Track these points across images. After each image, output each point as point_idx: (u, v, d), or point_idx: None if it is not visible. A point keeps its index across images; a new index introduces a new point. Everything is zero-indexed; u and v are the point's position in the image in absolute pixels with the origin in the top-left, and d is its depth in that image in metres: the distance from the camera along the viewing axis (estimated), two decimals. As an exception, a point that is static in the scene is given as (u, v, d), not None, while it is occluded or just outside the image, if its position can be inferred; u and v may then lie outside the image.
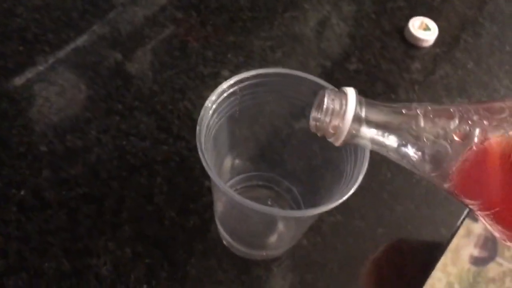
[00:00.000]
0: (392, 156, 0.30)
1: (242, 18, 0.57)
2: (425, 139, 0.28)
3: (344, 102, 0.29)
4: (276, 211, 0.33)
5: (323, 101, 0.30)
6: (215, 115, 0.34)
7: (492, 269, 1.24)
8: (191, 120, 0.48)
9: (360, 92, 0.30)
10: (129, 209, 0.42)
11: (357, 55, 0.55)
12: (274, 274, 0.41)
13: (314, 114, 0.31)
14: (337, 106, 0.30)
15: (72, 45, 0.52)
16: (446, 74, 0.55)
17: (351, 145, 0.34)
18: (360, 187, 0.31)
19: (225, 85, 0.34)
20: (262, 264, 0.41)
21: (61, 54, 0.51)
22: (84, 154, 0.45)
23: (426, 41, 0.56)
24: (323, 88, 0.35)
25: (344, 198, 0.30)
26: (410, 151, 0.29)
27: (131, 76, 0.50)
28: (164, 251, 0.41)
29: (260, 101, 0.37)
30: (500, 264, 1.25)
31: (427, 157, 0.28)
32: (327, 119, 0.30)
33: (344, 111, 0.29)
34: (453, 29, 0.59)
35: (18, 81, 0.49)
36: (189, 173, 0.44)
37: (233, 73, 0.51)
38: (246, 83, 0.35)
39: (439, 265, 0.43)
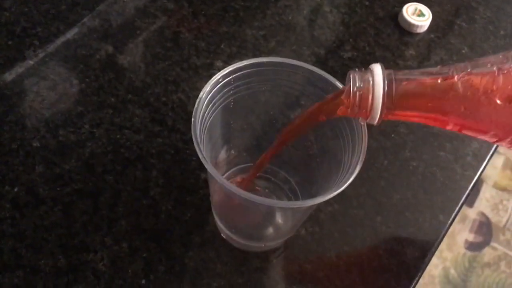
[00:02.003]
0: (437, 125, 0.29)
1: (235, 7, 0.56)
2: (463, 108, 0.26)
3: (371, 84, 0.28)
4: (273, 202, 0.32)
5: (350, 87, 0.29)
6: (209, 106, 0.34)
7: (487, 254, 1.26)
8: (186, 112, 0.47)
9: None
10: (125, 203, 0.42)
11: (351, 43, 0.55)
12: (273, 265, 0.40)
13: (346, 99, 0.30)
14: (365, 91, 0.28)
15: (62, 38, 0.51)
16: (441, 60, 0.55)
17: (349, 134, 0.34)
18: (357, 175, 0.30)
19: (219, 75, 0.33)
20: (261, 255, 0.41)
21: (51, 47, 0.50)
22: (77, 148, 0.44)
23: (420, 27, 0.56)
24: (317, 76, 0.34)
25: (342, 188, 0.30)
26: (454, 119, 0.27)
27: (123, 69, 0.50)
28: (162, 244, 0.40)
29: (254, 90, 0.36)
30: (495, 249, 1.26)
31: (473, 123, 0.27)
32: (357, 106, 0.29)
33: (373, 94, 0.28)
34: (446, 14, 0.59)
35: (8, 76, 0.48)
36: (185, 165, 0.44)
37: (227, 63, 0.51)
38: (240, 73, 0.34)
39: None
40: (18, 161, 0.43)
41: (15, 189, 0.42)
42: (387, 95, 0.28)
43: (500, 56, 0.27)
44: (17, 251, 0.39)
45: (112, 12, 0.54)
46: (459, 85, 0.26)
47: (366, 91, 0.28)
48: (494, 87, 0.26)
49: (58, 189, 0.42)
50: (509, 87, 0.25)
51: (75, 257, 0.39)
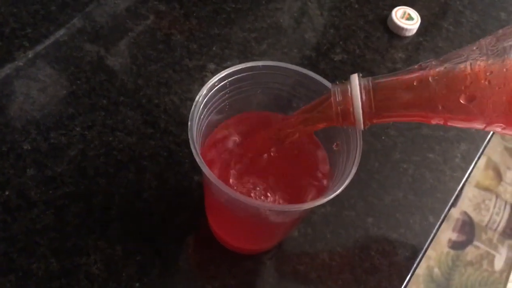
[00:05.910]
0: (422, 121, 0.29)
1: (226, 10, 0.56)
2: (441, 106, 0.27)
3: (350, 96, 0.29)
4: (269, 205, 0.33)
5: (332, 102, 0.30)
6: (205, 110, 0.34)
7: (470, 252, 1.28)
8: (178, 114, 0.47)
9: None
10: (118, 206, 0.42)
11: (341, 45, 0.55)
12: (266, 266, 0.41)
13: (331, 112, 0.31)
14: (345, 104, 0.29)
15: (52, 40, 0.51)
16: (429, 63, 0.55)
17: (343, 136, 0.34)
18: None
19: (215, 79, 0.33)
20: (254, 257, 0.41)
21: (41, 49, 0.50)
22: (69, 151, 0.44)
23: (409, 30, 0.56)
24: (311, 79, 0.35)
25: (338, 191, 0.30)
26: (435, 115, 0.27)
27: (114, 71, 0.49)
28: (155, 247, 0.40)
29: (248, 94, 0.36)
30: (478, 247, 1.28)
31: (453, 116, 0.27)
32: (341, 118, 0.30)
33: (352, 106, 0.29)
34: (434, 18, 0.60)
35: (-3, 77, 0.48)
36: (178, 168, 0.44)
37: (219, 66, 0.51)
38: (235, 76, 0.34)
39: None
40: (9, 164, 0.43)
41: (6, 193, 0.41)
42: (367, 103, 0.29)
43: (474, 48, 0.26)
44: (9, 255, 0.38)
45: (103, 13, 0.53)
46: (433, 83, 0.27)
47: (347, 104, 0.29)
48: (467, 83, 0.26)
49: (50, 192, 0.42)
50: (481, 82, 0.25)
51: (68, 260, 0.39)
